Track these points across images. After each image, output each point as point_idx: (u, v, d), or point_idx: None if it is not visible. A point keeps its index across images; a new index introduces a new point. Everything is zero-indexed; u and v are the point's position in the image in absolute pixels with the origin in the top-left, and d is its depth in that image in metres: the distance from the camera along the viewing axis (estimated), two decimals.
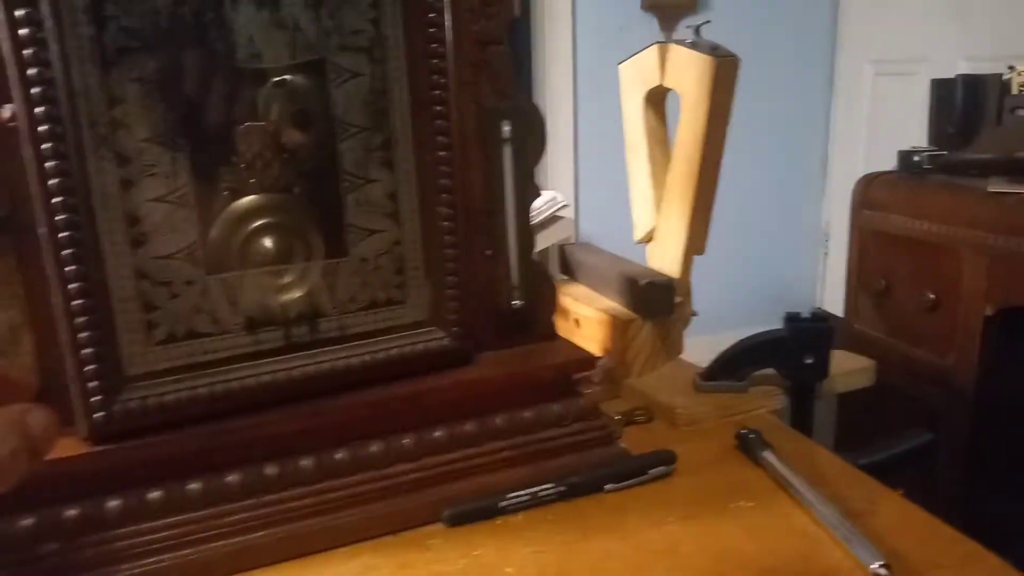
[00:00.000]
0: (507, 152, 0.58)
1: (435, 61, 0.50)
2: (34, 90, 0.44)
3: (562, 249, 0.90)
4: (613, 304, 0.77)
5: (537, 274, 0.62)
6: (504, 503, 0.55)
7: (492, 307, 0.60)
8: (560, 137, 2.67)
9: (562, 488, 0.57)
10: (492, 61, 0.57)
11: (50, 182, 0.44)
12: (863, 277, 1.88)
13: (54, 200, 0.45)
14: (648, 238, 0.85)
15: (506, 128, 0.58)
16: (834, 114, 2.95)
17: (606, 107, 2.38)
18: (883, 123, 2.78)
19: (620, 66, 0.84)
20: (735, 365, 0.70)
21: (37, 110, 0.44)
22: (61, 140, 0.44)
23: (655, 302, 0.71)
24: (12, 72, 0.43)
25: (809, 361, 0.69)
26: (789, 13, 2.80)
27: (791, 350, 0.69)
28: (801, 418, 0.69)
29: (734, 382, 0.70)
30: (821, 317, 0.70)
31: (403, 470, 0.56)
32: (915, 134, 2.59)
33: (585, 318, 0.77)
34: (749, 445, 0.62)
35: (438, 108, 0.52)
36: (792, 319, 0.70)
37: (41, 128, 0.44)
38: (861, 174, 2.75)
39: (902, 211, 1.77)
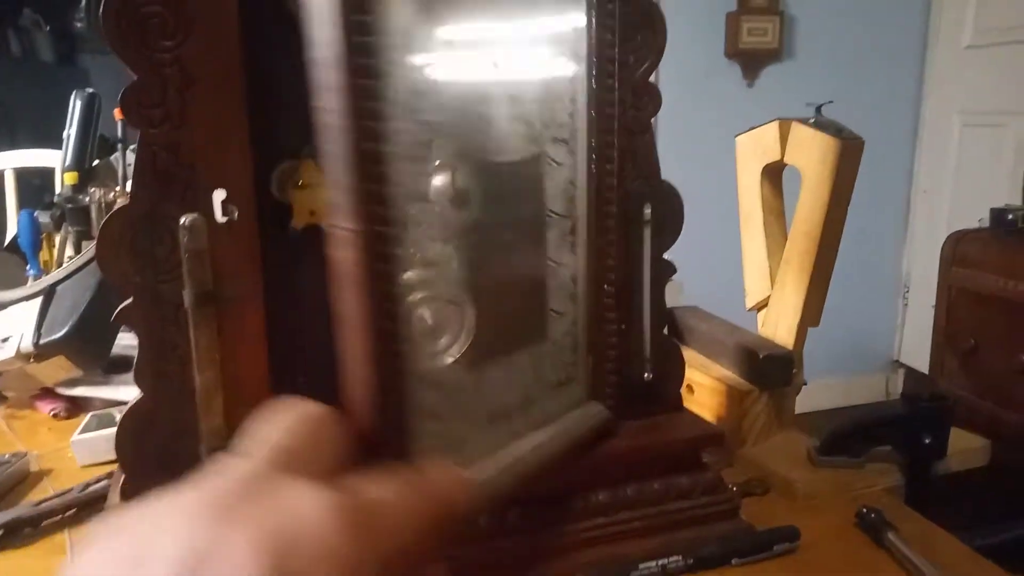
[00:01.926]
0: (647, 233, 0.61)
1: (608, 150, 0.54)
2: None
3: (671, 312, 0.92)
4: (728, 372, 0.78)
5: (668, 348, 0.64)
6: (635, 574, 0.58)
7: (626, 380, 0.63)
8: None
9: (690, 561, 0.59)
10: (639, 148, 0.60)
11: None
12: (951, 336, 1.84)
13: None
14: (760, 306, 0.87)
15: (647, 211, 0.61)
16: (918, 164, 2.91)
17: (689, 154, 2.40)
18: (969, 175, 2.72)
19: (738, 138, 0.87)
20: (852, 441, 0.71)
21: None
22: None
23: (774, 374, 0.72)
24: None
25: (927, 440, 0.70)
26: (875, 60, 2.78)
27: (910, 429, 0.70)
28: (917, 496, 0.70)
29: (851, 458, 0.71)
30: (940, 396, 0.70)
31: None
32: (1003, 188, 2.54)
33: (699, 385, 0.79)
34: (872, 525, 0.62)
35: (608, 194, 0.55)
36: (911, 398, 0.71)
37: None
38: (945, 225, 2.71)
39: (994, 270, 1.74)
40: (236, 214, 0.50)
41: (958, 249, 1.86)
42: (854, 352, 2.85)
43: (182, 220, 0.49)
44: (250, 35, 0.50)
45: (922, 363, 2.63)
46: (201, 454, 0.52)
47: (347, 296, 0.30)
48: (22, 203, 1.41)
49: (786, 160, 0.80)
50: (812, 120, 0.76)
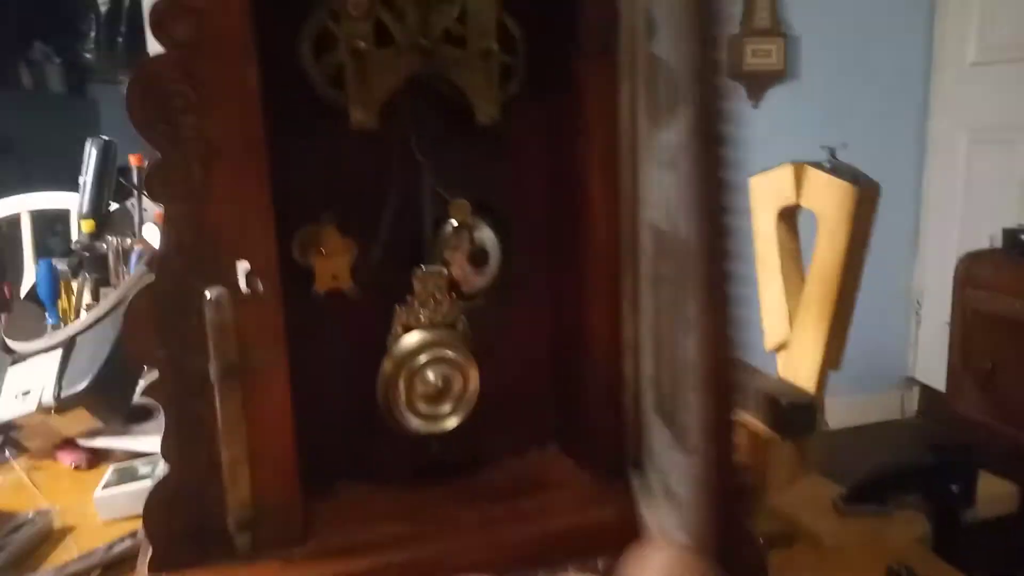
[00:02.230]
0: None
1: None
2: None
3: None
4: (749, 419, 0.78)
5: None
6: None
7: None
8: None
9: None
10: None
11: None
12: (967, 358, 1.83)
13: None
14: (779, 347, 0.86)
15: None
16: (927, 181, 2.90)
17: None
18: (978, 191, 2.71)
19: (752, 179, 0.87)
20: (879, 489, 0.70)
21: None
22: None
23: (798, 422, 0.72)
24: None
25: (955, 489, 0.69)
26: (880, 78, 2.79)
27: (938, 478, 0.69)
28: (945, 545, 0.69)
29: (878, 507, 0.70)
30: (966, 447, 0.70)
31: None
32: (1013, 204, 2.53)
33: None
34: None
35: None
36: (939, 448, 0.70)
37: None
38: (956, 242, 2.70)
39: (1009, 292, 1.73)
40: (261, 287, 0.50)
41: (971, 271, 1.86)
42: (868, 370, 2.83)
43: (207, 295, 0.49)
44: (272, 104, 0.51)
45: (937, 380, 2.61)
46: (229, 527, 0.52)
47: None
48: (38, 246, 1.43)
49: (802, 204, 0.79)
50: (828, 164, 0.76)
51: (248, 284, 0.50)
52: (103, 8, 3.98)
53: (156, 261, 0.50)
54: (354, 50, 0.53)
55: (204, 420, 0.51)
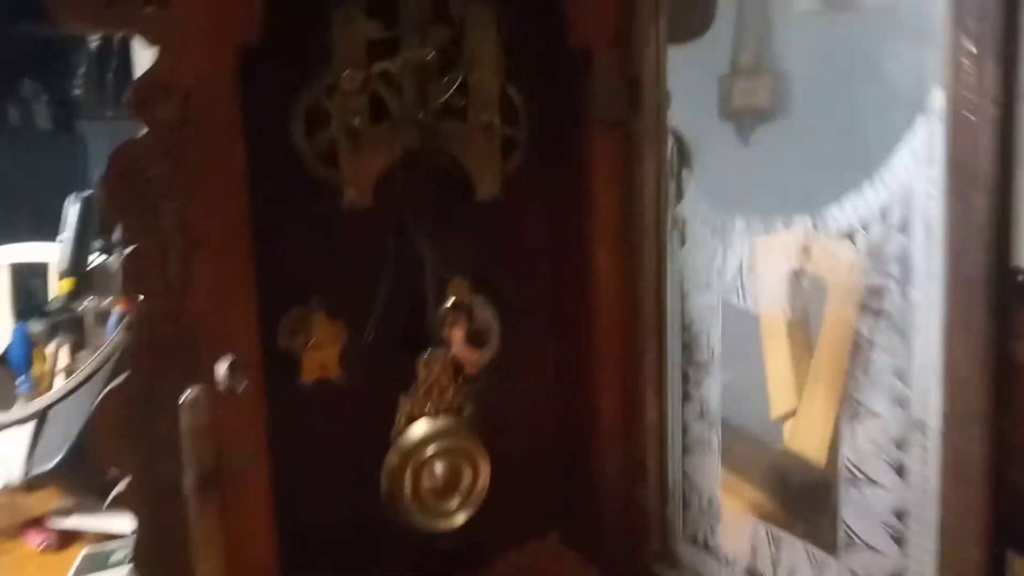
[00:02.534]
0: None
1: None
2: None
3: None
4: (760, 495, 0.74)
5: None
6: None
7: None
8: None
9: None
10: None
11: None
12: None
13: None
14: (787, 417, 0.83)
15: None
16: None
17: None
18: None
19: (756, 240, 0.84)
20: None
21: None
22: None
23: (811, 500, 0.68)
24: None
25: None
26: (874, 117, 2.79)
27: None
28: None
29: None
30: None
31: None
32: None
33: (728, 507, 0.75)
34: None
35: None
36: None
37: None
38: None
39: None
40: (243, 386, 0.46)
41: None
42: None
43: (183, 397, 0.45)
44: (258, 183, 0.47)
45: None
46: None
47: None
48: (16, 302, 1.38)
49: (809, 269, 0.76)
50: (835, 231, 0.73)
51: (228, 383, 0.46)
52: (93, 45, 3.98)
53: (128, 358, 0.46)
54: (348, 127, 0.50)
55: (178, 531, 0.46)
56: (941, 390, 0.49)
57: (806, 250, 0.78)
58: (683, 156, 0.54)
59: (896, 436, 0.61)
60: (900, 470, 0.58)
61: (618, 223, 0.53)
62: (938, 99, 0.40)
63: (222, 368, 0.46)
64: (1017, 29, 0.33)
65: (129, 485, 0.46)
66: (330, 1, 0.49)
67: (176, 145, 0.44)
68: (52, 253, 1.44)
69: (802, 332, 0.83)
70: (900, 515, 0.58)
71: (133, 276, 0.45)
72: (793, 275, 0.80)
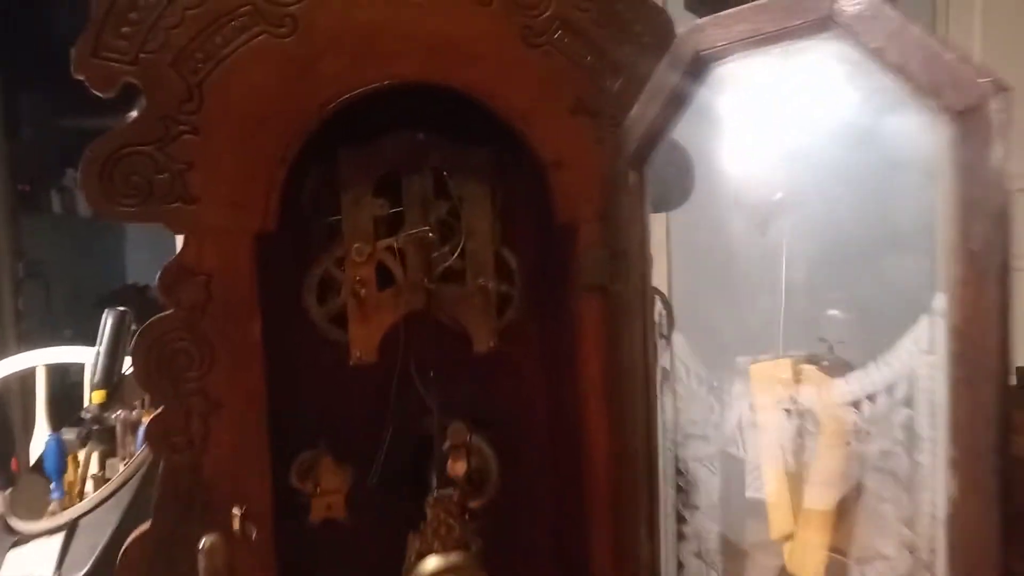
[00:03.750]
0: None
1: None
2: None
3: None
4: None
5: None
6: None
7: None
8: None
9: None
10: None
11: None
12: None
13: None
14: (785, 539, 0.84)
15: None
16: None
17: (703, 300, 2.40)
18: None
19: (752, 367, 0.87)
20: None
21: None
22: None
23: None
24: None
25: None
26: (885, 193, 2.82)
27: None
28: None
29: None
30: None
31: None
32: None
33: None
34: None
35: None
36: None
37: None
38: None
39: None
40: (255, 533, 0.50)
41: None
42: None
43: (201, 543, 0.49)
44: (273, 346, 0.52)
45: None
46: None
47: None
48: (51, 405, 1.44)
49: (800, 401, 0.79)
50: (825, 363, 0.76)
51: (242, 530, 0.50)
52: None
53: (154, 508, 0.50)
54: (356, 295, 0.55)
55: None
56: (947, 539, 0.51)
57: (797, 380, 0.81)
58: (670, 318, 0.58)
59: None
60: None
61: (606, 378, 0.57)
62: (941, 302, 0.45)
63: (236, 518, 0.50)
64: (1008, 255, 0.38)
65: None
66: (339, 184, 0.55)
67: (198, 322, 0.49)
68: (83, 354, 1.52)
69: (796, 460, 0.85)
70: None
71: (158, 436, 0.49)
72: (786, 403, 0.83)
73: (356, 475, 0.59)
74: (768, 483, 0.86)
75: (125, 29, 0.48)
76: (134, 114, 0.49)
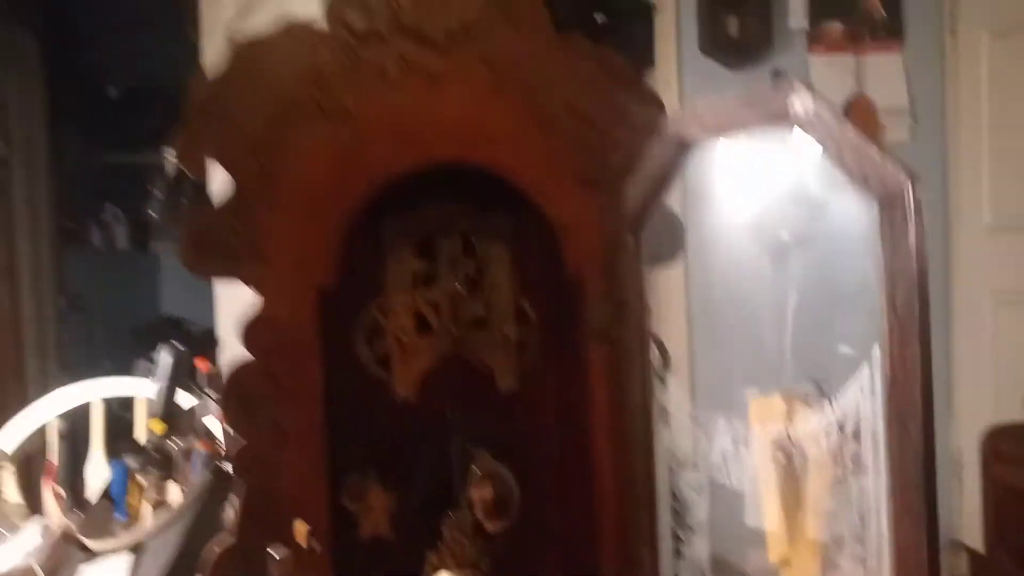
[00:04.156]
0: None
1: None
2: None
3: None
4: None
5: None
6: None
7: None
8: None
9: None
10: None
11: None
12: (1002, 535, 1.82)
13: None
14: (782, 563, 0.92)
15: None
16: (955, 341, 2.94)
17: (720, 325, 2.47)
18: (1007, 351, 2.74)
19: (752, 402, 0.95)
20: None
21: None
22: None
23: None
24: None
25: None
26: (839, 256, 2.88)
27: None
28: None
29: None
30: None
31: None
32: None
33: None
34: None
35: None
36: None
37: None
38: (990, 403, 2.70)
39: None
40: (318, 548, 0.60)
41: (997, 445, 1.88)
42: None
43: (274, 553, 0.59)
44: (330, 384, 0.62)
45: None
46: None
47: None
48: (107, 435, 1.55)
49: (791, 435, 0.87)
50: (810, 399, 0.85)
51: (307, 544, 0.60)
52: (170, 171, 4.36)
53: (238, 522, 0.60)
54: (399, 339, 0.65)
55: None
56: (891, 557, 0.60)
57: (790, 415, 0.89)
58: (665, 360, 0.68)
59: None
60: None
61: (612, 413, 0.66)
62: (876, 351, 0.54)
63: (302, 532, 0.60)
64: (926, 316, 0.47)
65: None
66: (385, 245, 0.66)
67: (270, 365, 0.60)
68: (136, 386, 1.63)
69: (792, 487, 0.93)
70: None
71: (241, 465, 0.60)
72: (781, 436, 0.92)
73: (399, 497, 0.68)
74: (766, 510, 0.94)
75: (212, 121, 0.59)
76: (216, 184, 0.60)
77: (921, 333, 0.47)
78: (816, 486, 0.84)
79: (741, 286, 0.72)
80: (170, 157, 4.26)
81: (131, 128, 4.18)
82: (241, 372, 0.59)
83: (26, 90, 3.12)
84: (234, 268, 0.60)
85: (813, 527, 0.85)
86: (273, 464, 0.60)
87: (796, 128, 0.52)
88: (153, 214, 4.46)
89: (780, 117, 0.53)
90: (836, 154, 0.49)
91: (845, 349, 0.63)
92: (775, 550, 0.93)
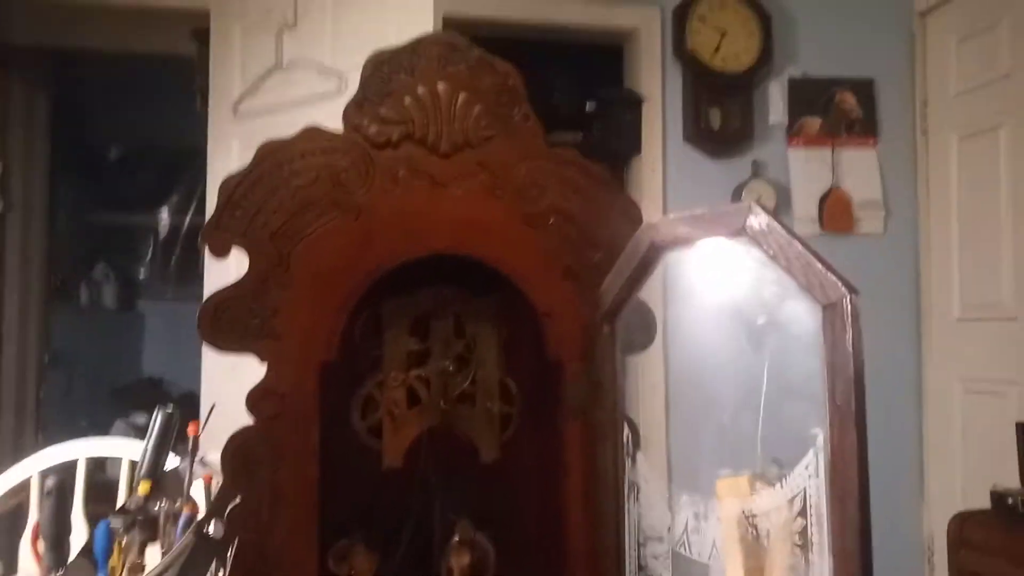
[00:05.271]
0: None
1: None
2: None
3: None
4: None
5: None
6: None
7: None
8: None
9: None
10: None
11: None
12: None
13: None
14: None
15: None
16: (926, 428, 3.01)
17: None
18: (975, 439, 2.81)
19: (719, 482, 1.01)
20: None
21: None
22: None
23: None
24: None
25: None
26: (872, 327, 2.99)
27: None
28: None
29: None
30: None
31: None
32: (1010, 452, 2.61)
33: None
34: None
35: None
36: None
37: None
38: (959, 489, 2.75)
39: (1002, 556, 1.78)
40: None
41: (964, 532, 1.92)
42: None
43: None
44: (324, 451, 0.67)
45: None
46: None
47: None
48: (87, 496, 1.57)
49: (755, 513, 0.93)
50: (774, 478, 0.90)
51: None
52: (162, 233, 4.44)
53: None
54: (391, 412, 0.71)
55: None
56: None
57: (753, 494, 0.94)
58: (636, 438, 0.73)
59: None
60: None
61: (586, 487, 0.72)
62: (820, 437, 0.60)
63: None
64: (862, 406, 0.53)
65: None
66: (383, 325, 0.72)
67: (272, 431, 0.65)
68: (122, 447, 1.66)
69: (756, 563, 0.98)
70: None
71: (237, 522, 0.64)
72: (745, 513, 0.97)
73: (382, 561, 0.72)
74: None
75: (238, 212, 0.66)
76: (238, 272, 0.66)
77: (857, 423, 0.53)
78: (776, 560, 0.88)
79: (713, 374, 0.79)
80: (162, 218, 4.35)
81: (126, 189, 4.28)
82: (244, 434, 0.64)
83: (31, 149, 3.20)
84: (247, 343, 0.66)
85: None
86: (267, 522, 0.64)
87: (749, 240, 0.59)
88: (141, 275, 4.51)
89: (739, 231, 0.60)
90: (786, 266, 0.56)
91: (798, 433, 0.69)
92: None
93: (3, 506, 1.45)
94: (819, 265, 0.55)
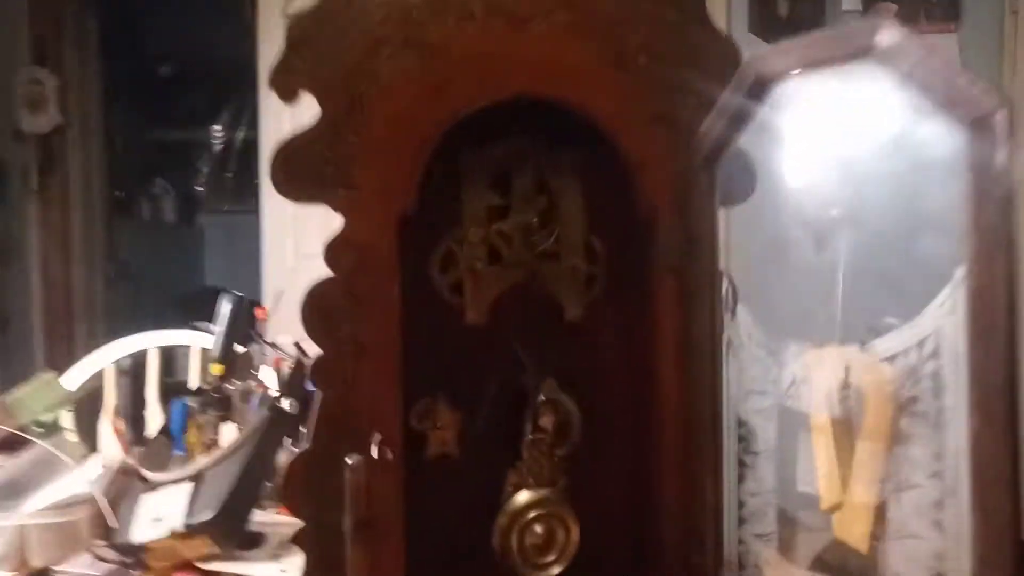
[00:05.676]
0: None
1: None
2: None
3: None
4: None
5: None
6: None
7: None
8: None
9: None
10: None
11: None
12: None
13: None
14: (834, 509, 0.93)
15: None
16: None
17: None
18: None
19: (808, 352, 0.96)
20: None
21: None
22: None
23: None
24: None
25: None
26: (918, 188, 2.85)
27: None
28: None
29: None
30: None
31: None
32: None
33: None
34: None
35: None
36: None
37: None
38: None
39: None
40: (390, 455, 0.62)
41: None
42: None
43: (348, 461, 0.62)
44: (405, 307, 0.65)
45: None
46: None
47: None
48: (162, 382, 1.61)
49: (850, 381, 0.88)
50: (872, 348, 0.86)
51: (380, 453, 0.62)
52: (216, 147, 4.46)
53: (310, 433, 0.63)
54: (471, 268, 0.67)
55: (337, 565, 0.62)
56: (969, 467, 0.60)
57: (850, 368, 0.90)
58: (736, 294, 0.69)
59: (935, 500, 0.71)
60: (939, 525, 0.68)
61: (679, 346, 0.68)
62: (961, 272, 0.55)
63: (375, 442, 0.62)
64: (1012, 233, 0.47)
65: (303, 529, 0.62)
66: (462, 178, 0.68)
67: (351, 284, 0.62)
68: (192, 337, 1.69)
69: (846, 436, 0.94)
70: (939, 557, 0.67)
71: (320, 376, 0.62)
72: (839, 388, 0.93)
73: (466, 419, 0.71)
74: (819, 458, 0.95)
75: (307, 53, 0.61)
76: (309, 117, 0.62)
77: (1007, 248, 0.48)
78: (872, 430, 0.85)
79: (825, 221, 0.73)
80: (216, 133, 4.36)
81: (181, 106, 4.28)
82: (323, 287, 0.62)
83: (85, 67, 3.21)
84: (321, 193, 0.62)
85: (867, 471, 0.86)
86: (350, 377, 0.62)
87: (879, 61, 0.52)
88: (199, 189, 4.56)
89: (863, 52, 0.54)
90: (924, 83, 0.50)
91: (929, 273, 0.63)
92: (827, 498, 0.94)
93: (82, 392, 1.50)
94: (963, 78, 0.48)
